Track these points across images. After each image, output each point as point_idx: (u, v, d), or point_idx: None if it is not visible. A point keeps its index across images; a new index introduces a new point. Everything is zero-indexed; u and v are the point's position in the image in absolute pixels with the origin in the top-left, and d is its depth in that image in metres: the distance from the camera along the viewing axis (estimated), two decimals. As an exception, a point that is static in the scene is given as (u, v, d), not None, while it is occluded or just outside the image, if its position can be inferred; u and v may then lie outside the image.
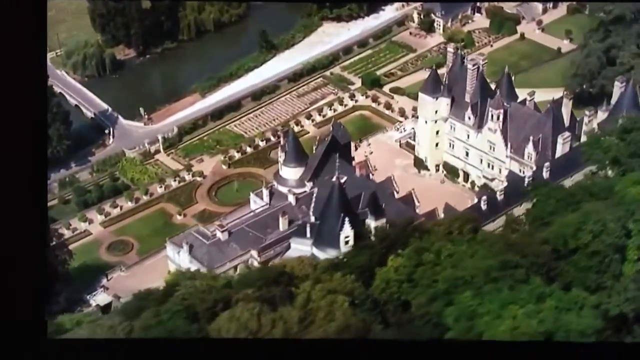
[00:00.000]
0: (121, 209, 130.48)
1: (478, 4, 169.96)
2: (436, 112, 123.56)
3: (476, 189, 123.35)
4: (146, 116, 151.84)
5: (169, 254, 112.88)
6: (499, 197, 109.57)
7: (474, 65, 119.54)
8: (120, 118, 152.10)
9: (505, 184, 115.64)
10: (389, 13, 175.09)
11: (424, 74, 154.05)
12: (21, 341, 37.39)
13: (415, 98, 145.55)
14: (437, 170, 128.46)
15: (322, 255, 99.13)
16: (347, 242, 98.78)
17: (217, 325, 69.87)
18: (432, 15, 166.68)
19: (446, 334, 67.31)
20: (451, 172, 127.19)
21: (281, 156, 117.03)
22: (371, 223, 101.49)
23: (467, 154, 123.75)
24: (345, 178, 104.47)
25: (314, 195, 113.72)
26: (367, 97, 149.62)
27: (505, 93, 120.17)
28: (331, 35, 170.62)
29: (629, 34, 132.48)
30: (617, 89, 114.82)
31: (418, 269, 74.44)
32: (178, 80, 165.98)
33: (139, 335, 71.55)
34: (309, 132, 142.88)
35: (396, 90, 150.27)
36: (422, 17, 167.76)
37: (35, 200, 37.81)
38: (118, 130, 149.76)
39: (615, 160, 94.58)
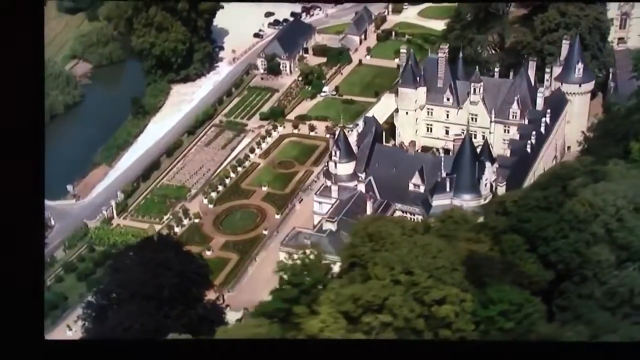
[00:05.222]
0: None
1: (305, 45, 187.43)
2: (416, 101, 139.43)
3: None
4: (75, 192, 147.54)
5: (283, 260, 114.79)
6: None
7: (443, 53, 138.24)
8: (46, 201, 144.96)
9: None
10: (225, 68, 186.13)
11: (309, 103, 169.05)
12: (18, 343, 36.22)
13: (324, 119, 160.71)
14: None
15: (462, 204, 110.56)
16: (486, 185, 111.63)
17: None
18: (277, 58, 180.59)
19: None
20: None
21: (335, 153, 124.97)
22: (487, 167, 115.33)
23: (447, 132, 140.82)
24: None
25: (372, 181, 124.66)
26: (284, 127, 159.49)
27: (464, 72, 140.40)
28: (188, 94, 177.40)
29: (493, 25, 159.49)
30: (565, 46, 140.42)
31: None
32: (65, 159, 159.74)
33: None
34: (260, 164, 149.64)
35: (302, 118, 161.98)
36: (267, 62, 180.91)
37: (33, 202, 37.09)
38: (52, 212, 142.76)
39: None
